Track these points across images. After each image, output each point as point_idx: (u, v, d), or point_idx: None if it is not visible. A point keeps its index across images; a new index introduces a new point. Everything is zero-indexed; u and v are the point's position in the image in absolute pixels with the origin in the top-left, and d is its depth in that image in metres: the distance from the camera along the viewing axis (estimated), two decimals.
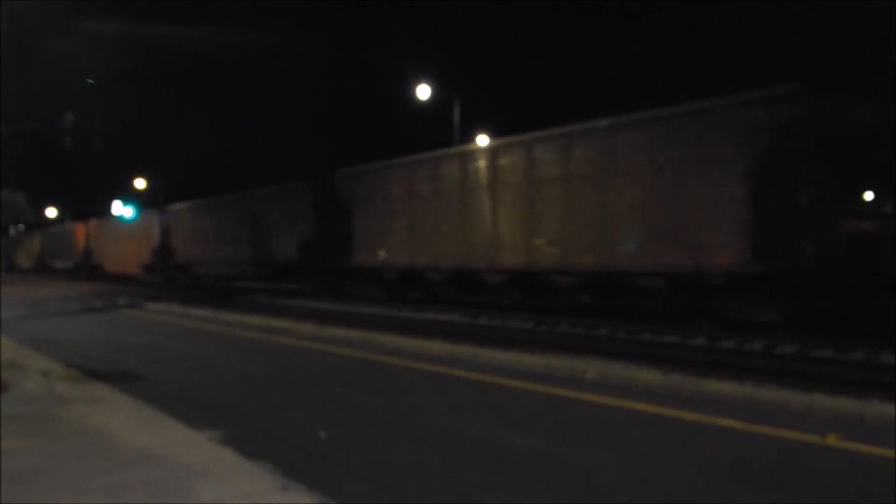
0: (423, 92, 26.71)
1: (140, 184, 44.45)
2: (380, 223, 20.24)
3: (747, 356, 10.21)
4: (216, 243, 30.15)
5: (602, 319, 13.79)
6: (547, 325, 14.05)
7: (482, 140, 29.51)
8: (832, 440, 5.71)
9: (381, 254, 20.11)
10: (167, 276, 34.02)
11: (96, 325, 16.56)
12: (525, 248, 15.93)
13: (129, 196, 39.04)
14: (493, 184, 16.81)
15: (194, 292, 25.77)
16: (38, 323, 16.76)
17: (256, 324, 15.37)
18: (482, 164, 17.23)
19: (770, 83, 12.08)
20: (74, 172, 50.76)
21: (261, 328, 14.74)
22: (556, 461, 5.40)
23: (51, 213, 64.31)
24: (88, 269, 42.73)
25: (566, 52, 50.81)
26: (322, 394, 8.18)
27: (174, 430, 6.10)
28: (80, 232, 45.75)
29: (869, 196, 11.79)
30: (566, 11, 52.86)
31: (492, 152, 17.23)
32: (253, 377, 9.40)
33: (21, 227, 63.39)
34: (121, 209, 36.07)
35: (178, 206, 34.43)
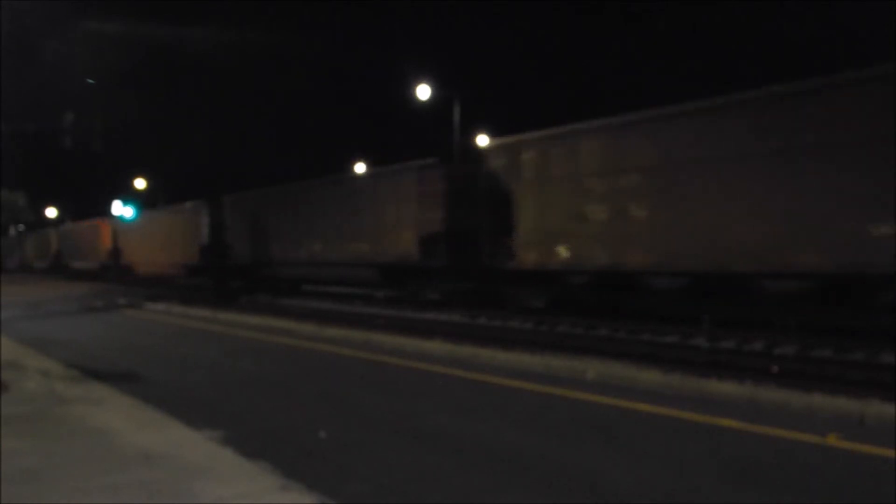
0: (423, 92, 26.73)
1: (140, 184, 44.42)
2: (558, 208, 14.95)
3: (747, 356, 10.22)
4: (302, 238, 24.40)
5: (602, 319, 13.78)
6: (547, 326, 14.05)
7: (482, 140, 29.55)
8: (832, 440, 5.71)
9: (563, 251, 14.82)
10: (218, 278, 27.80)
11: (96, 325, 16.56)
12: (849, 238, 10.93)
13: (130, 196, 38.92)
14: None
15: (194, 292, 25.48)
16: (39, 323, 16.76)
17: (256, 324, 15.37)
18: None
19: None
20: (74, 172, 50.71)
21: (261, 328, 14.74)
22: (556, 461, 5.40)
23: (51, 213, 64.28)
24: (117, 270, 37.38)
25: (566, 51, 50.82)
26: (322, 394, 8.18)
27: (174, 430, 6.10)
28: (105, 229, 40.38)
29: None
30: (566, 11, 52.88)
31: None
32: (253, 377, 9.39)
33: (21, 226, 63.32)
34: (121, 209, 35.77)
35: (236, 195, 28.78)
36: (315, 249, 23.42)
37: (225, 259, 27.63)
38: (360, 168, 35.26)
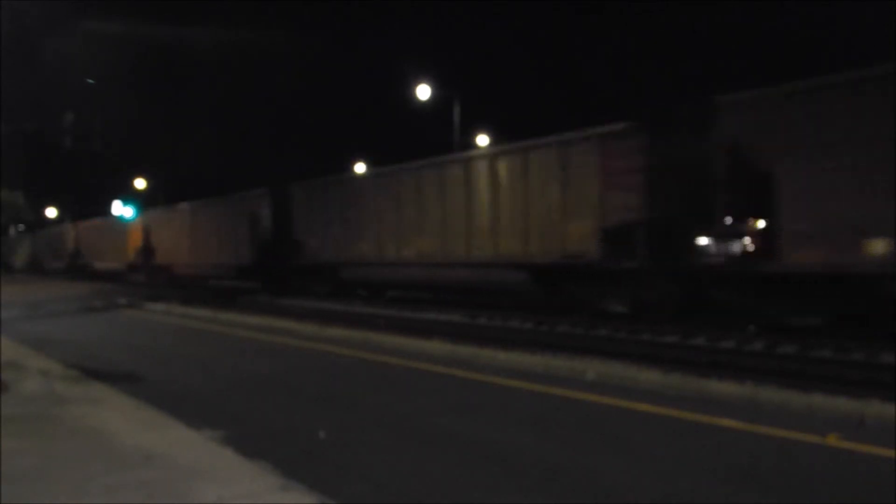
0: (423, 92, 26.75)
1: (140, 184, 44.42)
2: (868, 184, 10.53)
3: (747, 356, 10.22)
4: (408, 233, 19.24)
5: (602, 319, 13.78)
6: (547, 326, 14.04)
7: (482, 140, 29.57)
8: (832, 440, 5.71)
9: (879, 246, 10.43)
10: (278, 276, 24.53)
11: (96, 325, 16.56)
12: None
13: (129, 196, 38.85)
14: None
15: (195, 292, 25.29)
16: (38, 323, 16.75)
17: (257, 324, 15.36)
18: None
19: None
20: (75, 172, 50.64)
21: (261, 328, 14.74)
22: (556, 461, 5.40)
23: (51, 212, 64.24)
24: (150, 270, 33.64)
25: (566, 51, 50.82)
26: (322, 394, 8.18)
27: (174, 430, 6.10)
28: (134, 229, 34.40)
29: None
30: (566, 11, 52.88)
31: None
32: (253, 377, 9.39)
33: (21, 226, 63.27)
34: (121, 209, 35.62)
35: (310, 183, 23.98)
36: (427, 246, 18.62)
37: (297, 257, 23.90)
38: (359, 168, 35.22)
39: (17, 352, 10.91)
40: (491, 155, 17.60)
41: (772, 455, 5.44)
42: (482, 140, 29.83)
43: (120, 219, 35.26)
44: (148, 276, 33.01)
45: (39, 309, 20.17)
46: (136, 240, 34.69)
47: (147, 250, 33.40)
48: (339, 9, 62.75)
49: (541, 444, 5.87)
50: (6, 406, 6.79)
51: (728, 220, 12.26)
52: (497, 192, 16.52)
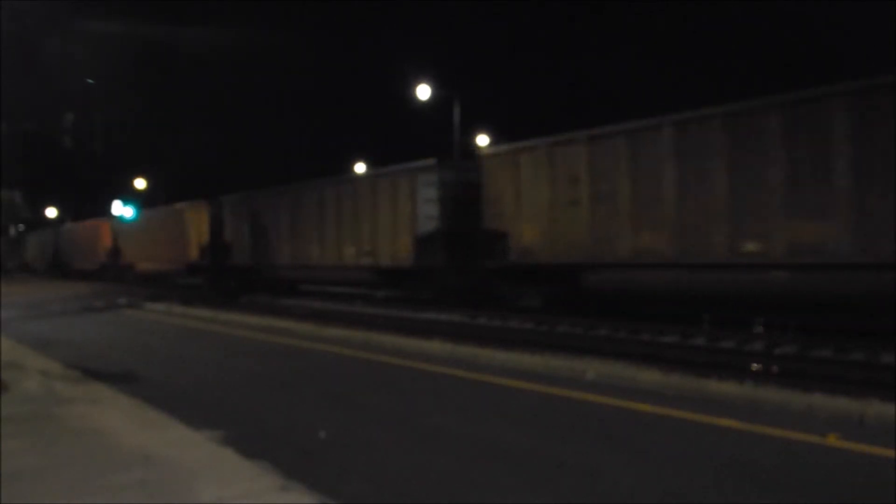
0: (423, 92, 26.74)
1: (140, 184, 44.40)
2: None
3: (747, 356, 10.21)
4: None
5: (602, 319, 13.77)
6: (547, 326, 14.03)
7: (482, 140, 29.57)
8: (832, 440, 5.71)
9: None
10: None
11: (97, 325, 16.56)
12: None
13: (129, 196, 38.91)
14: None
15: (195, 292, 25.47)
16: (39, 323, 16.76)
17: (257, 324, 15.37)
18: None
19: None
20: (74, 172, 50.55)
21: (261, 328, 14.74)
22: (556, 461, 5.40)
23: (51, 212, 64.21)
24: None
25: (566, 51, 50.83)
26: (322, 394, 8.18)
27: (174, 431, 6.10)
28: (199, 216, 28.05)
29: None
30: (566, 11, 52.90)
31: None
32: (253, 377, 9.39)
33: (21, 226, 63.24)
34: (121, 209, 35.75)
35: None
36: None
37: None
38: (359, 168, 35.35)
39: (16, 352, 10.92)
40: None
41: (772, 455, 5.44)
42: (482, 140, 29.82)
43: (120, 219, 35.39)
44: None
45: (39, 309, 20.18)
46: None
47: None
48: (339, 9, 62.75)
49: (541, 443, 5.87)
50: (6, 406, 6.80)
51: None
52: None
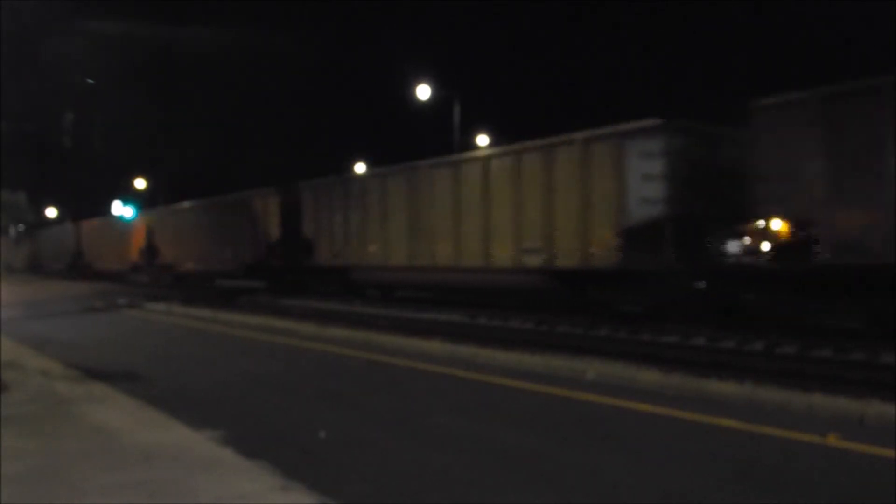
0: (423, 92, 26.74)
1: (140, 184, 44.38)
2: None
3: (747, 356, 10.22)
4: None
5: (602, 319, 13.77)
6: (547, 325, 14.04)
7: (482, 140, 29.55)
8: (832, 440, 5.71)
9: None
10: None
11: (97, 325, 16.56)
12: None
13: (129, 196, 38.81)
14: None
15: (195, 292, 25.13)
16: (39, 323, 16.75)
17: (257, 324, 15.37)
18: None
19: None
20: (74, 172, 50.48)
21: (262, 328, 14.74)
22: (556, 461, 5.40)
23: (51, 212, 64.18)
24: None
25: (566, 51, 50.83)
26: (322, 394, 8.18)
27: (174, 430, 6.10)
28: (267, 207, 25.04)
29: None
30: (566, 11, 52.89)
31: None
32: (253, 377, 9.39)
33: (21, 227, 63.20)
34: (121, 209, 35.57)
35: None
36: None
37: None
38: (360, 168, 35.18)
39: (17, 351, 10.92)
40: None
41: (772, 455, 5.44)
42: (482, 140, 29.81)
43: (121, 219, 35.15)
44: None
45: (40, 308, 20.18)
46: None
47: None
48: (339, 9, 62.75)
49: (541, 443, 5.87)
50: (6, 406, 6.80)
51: None
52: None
